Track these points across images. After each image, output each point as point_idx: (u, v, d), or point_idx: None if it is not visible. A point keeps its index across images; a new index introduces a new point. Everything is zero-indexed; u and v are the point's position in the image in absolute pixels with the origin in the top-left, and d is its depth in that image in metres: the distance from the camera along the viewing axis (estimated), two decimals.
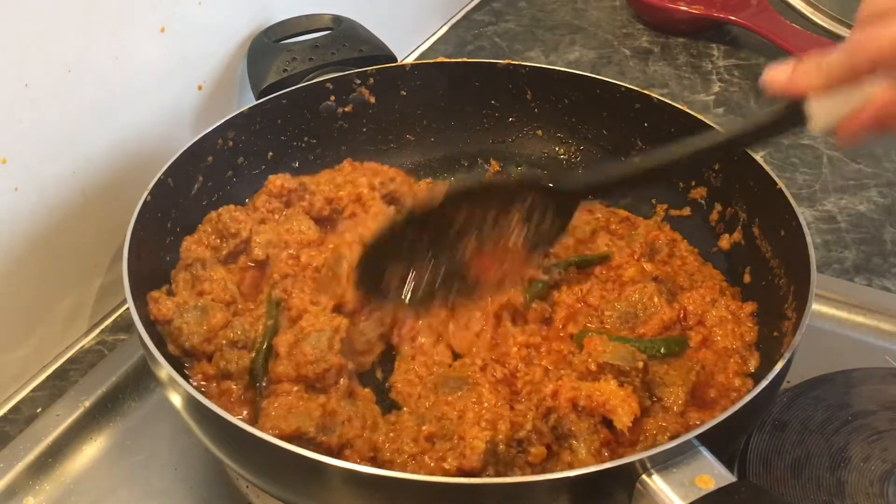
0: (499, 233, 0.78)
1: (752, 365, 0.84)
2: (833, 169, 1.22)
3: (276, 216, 0.99)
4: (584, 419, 0.76)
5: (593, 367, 0.80)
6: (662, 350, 0.84)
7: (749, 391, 0.78)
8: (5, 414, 0.93)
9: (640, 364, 0.79)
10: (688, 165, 0.84)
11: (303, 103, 1.06)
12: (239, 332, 0.86)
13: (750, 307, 0.89)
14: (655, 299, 0.89)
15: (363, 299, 0.87)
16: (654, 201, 1.05)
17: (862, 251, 1.09)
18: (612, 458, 0.74)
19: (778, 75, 0.69)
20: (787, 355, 0.73)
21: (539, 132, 1.13)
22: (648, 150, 0.81)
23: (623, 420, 0.75)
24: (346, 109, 1.09)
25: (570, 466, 0.73)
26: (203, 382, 0.84)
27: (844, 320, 1.00)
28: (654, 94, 1.03)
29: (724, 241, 0.97)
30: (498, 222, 0.78)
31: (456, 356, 0.88)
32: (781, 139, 1.23)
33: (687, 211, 1.02)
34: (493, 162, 1.13)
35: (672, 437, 0.75)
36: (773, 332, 0.84)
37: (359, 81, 1.09)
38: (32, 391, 0.95)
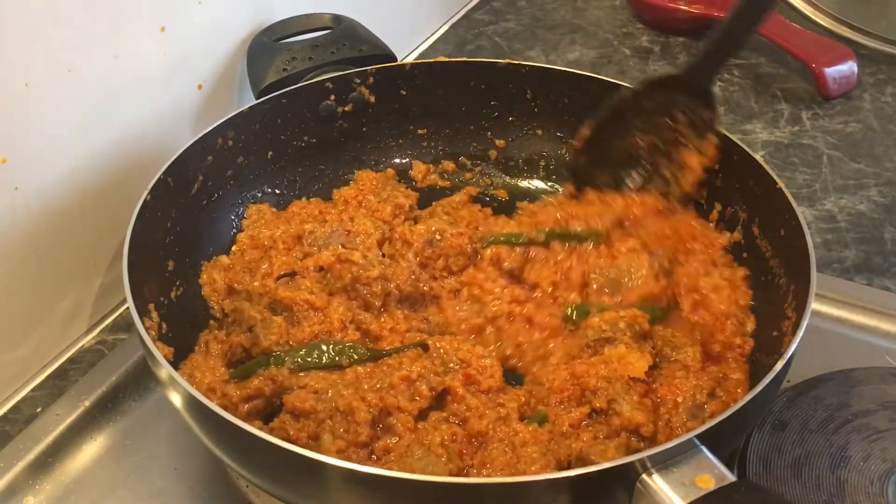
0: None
1: (749, 327, 0.87)
2: (833, 168, 1.22)
3: None
4: (614, 383, 0.80)
5: (591, 343, 0.86)
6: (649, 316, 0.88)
7: (749, 348, 0.86)
8: (5, 413, 0.93)
9: (622, 325, 0.85)
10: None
11: (302, 103, 1.06)
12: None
13: (742, 272, 0.91)
14: (643, 271, 0.92)
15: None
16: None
17: (862, 251, 1.09)
18: (656, 410, 0.79)
19: None
20: (787, 354, 0.73)
21: (539, 131, 1.13)
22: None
23: (638, 368, 0.81)
24: (346, 109, 1.09)
25: (622, 427, 0.77)
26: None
27: (844, 320, 1.00)
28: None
29: (724, 240, 0.97)
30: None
31: None
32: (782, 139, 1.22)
33: None
34: (492, 153, 1.14)
35: (709, 394, 0.81)
36: (773, 331, 0.84)
37: (358, 81, 1.09)
38: (32, 391, 0.95)
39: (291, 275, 0.93)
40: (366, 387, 0.81)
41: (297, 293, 0.89)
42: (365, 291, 0.90)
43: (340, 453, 0.75)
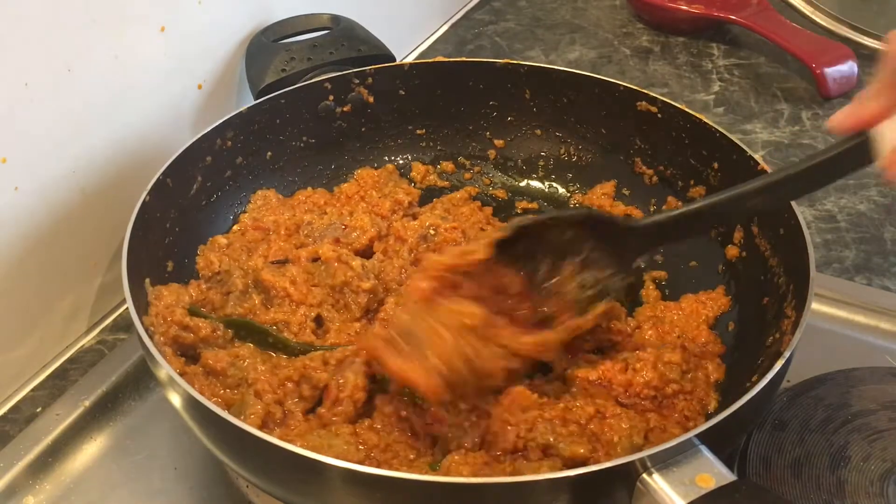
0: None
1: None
2: None
3: None
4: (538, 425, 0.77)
5: None
6: None
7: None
8: (5, 413, 0.93)
9: None
10: (742, 207, 0.80)
11: (301, 103, 1.06)
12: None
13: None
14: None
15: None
16: (653, 200, 1.05)
17: (862, 250, 1.09)
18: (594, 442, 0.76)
19: (843, 115, 0.70)
20: (786, 354, 0.73)
21: (538, 131, 1.13)
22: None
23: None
24: (345, 109, 1.09)
25: (565, 464, 0.74)
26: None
27: (844, 320, 1.00)
28: (653, 94, 1.03)
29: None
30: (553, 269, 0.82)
31: None
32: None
33: None
34: (490, 152, 1.14)
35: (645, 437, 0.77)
36: (774, 331, 0.84)
37: (357, 81, 1.09)
38: (32, 391, 0.95)
39: (284, 262, 0.93)
40: (279, 377, 0.81)
41: (279, 279, 0.90)
42: (349, 298, 0.91)
43: (262, 428, 0.77)
